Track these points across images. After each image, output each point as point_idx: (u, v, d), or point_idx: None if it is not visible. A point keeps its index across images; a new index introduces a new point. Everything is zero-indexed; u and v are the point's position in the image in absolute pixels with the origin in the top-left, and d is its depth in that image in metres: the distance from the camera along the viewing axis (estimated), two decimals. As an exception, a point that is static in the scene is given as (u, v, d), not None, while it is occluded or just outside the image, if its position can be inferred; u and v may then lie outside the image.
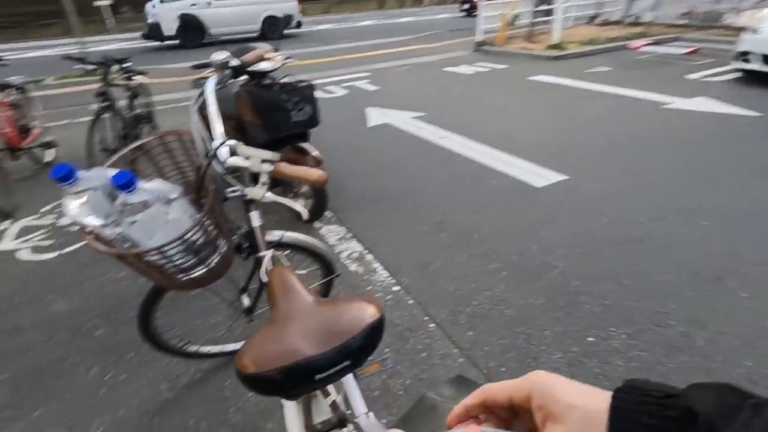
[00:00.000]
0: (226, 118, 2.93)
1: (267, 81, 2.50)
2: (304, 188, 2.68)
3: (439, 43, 10.16)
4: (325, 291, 1.79)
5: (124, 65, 3.35)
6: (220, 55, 1.22)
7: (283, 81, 2.56)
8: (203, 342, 1.77)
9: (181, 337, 1.70)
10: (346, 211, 2.94)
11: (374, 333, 0.69)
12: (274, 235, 1.38)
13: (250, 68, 2.36)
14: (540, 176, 3.27)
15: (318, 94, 2.69)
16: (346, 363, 0.66)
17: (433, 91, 6.14)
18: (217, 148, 1.05)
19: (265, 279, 1.18)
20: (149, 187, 0.92)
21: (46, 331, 1.99)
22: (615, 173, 3.24)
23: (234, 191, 1.23)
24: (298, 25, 12.95)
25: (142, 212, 0.93)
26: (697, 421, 0.28)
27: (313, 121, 2.57)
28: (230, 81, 1.31)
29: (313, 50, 10.21)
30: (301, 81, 2.59)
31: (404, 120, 4.80)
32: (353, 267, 2.35)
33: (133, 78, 3.48)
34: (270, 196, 1.00)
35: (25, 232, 2.85)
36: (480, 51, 9.39)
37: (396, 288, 2.17)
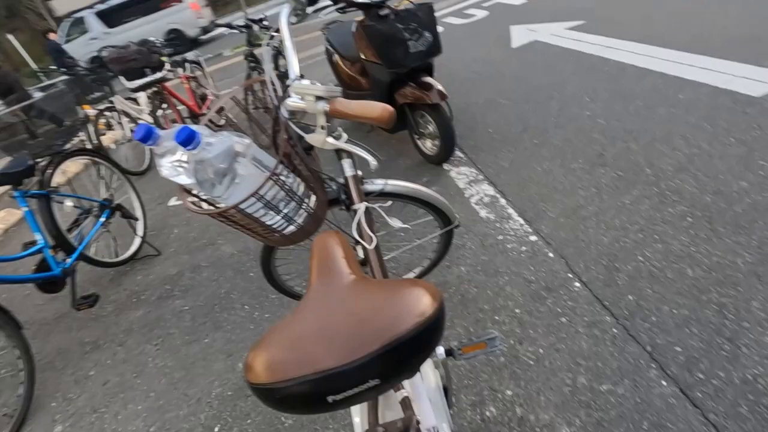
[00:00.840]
0: (351, 61, 2.87)
1: (383, 11, 2.26)
2: (431, 128, 2.45)
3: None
4: (444, 244, 1.61)
5: (263, 24, 3.52)
6: (287, -20, 1.06)
7: (400, 8, 2.29)
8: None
9: (304, 283, 1.76)
10: (480, 150, 2.62)
11: (424, 336, 0.48)
12: (376, 184, 1.24)
13: (361, 0, 2.18)
14: (760, 81, 2.31)
15: (454, 20, 2.35)
16: (374, 382, 0.47)
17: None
18: (287, 89, 0.92)
19: (356, 234, 1.06)
20: (213, 141, 0.85)
21: (217, 269, 2.34)
22: None
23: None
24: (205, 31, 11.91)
25: (213, 169, 0.87)
26: None
27: (434, 49, 2.26)
28: (312, 9, 1.15)
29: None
30: (420, 4, 2.28)
31: (557, 33, 3.98)
32: (484, 213, 2.08)
33: (273, 37, 3.66)
34: (332, 141, 0.83)
35: (206, 186, 3.40)
36: None
37: (533, 238, 1.84)
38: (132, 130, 4.06)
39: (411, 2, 2.33)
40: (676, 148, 2.06)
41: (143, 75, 3.32)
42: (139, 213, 2.73)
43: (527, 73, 3.41)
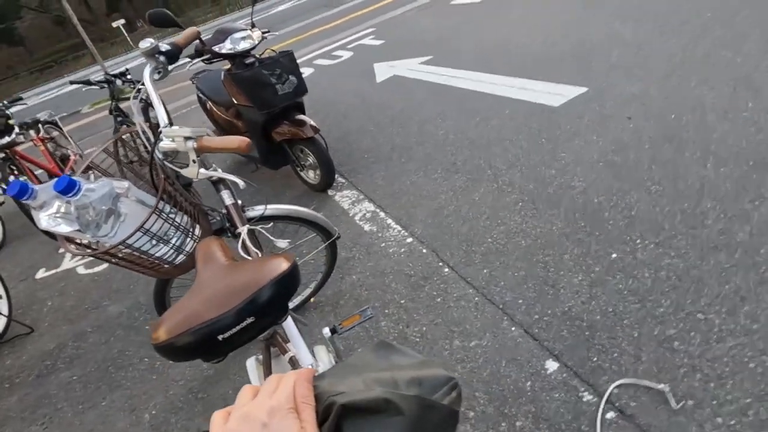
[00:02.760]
0: (225, 107, 2.99)
1: (248, 60, 2.47)
2: (310, 160, 2.68)
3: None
4: (331, 257, 1.82)
5: (126, 78, 3.46)
6: (144, 44, 1.21)
7: (263, 57, 2.52)
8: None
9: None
10: (358, 173, 2.92)
11: (281, 284, 0.68)
12: (256, 210, 1.40)
13: (227, 51, 2.36)
14: (557, 95, 3.01)
15: (324, 61, 2.63)
16: (250, 320, 0.66)
17: (441, 30, 5.77)
18: (158, 135, 1.06)
19: (242, 252, 1.21)
20: (93, 186, 0.95)
21: (105, 332, 2.22)
22: (645, 68, 2.89)
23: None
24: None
25: (95, 211, 0.97)
26: None
27: (299, 90, 2.52)
28: (172, 67, 1.30)
29: (316, 19, 9.95)
30: (282, 52, 2.53)
31: (411, 68, 4.59)
32: (367, 227, 2.35)
33: (139, 88, 3.60)
34: (204, 172, 1.00)
35: (81, 250, 3.14)
36: (489, -27, 8.60)
37: (409, 240, 2.15)
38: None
39: (273, 51, 2.57)
40: (506, 149, 2.58)
41: (-13, 141, 3.01)
42: (1, 290, 2.45)
43: (391, 103, 3.88)
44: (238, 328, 0.64)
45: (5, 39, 25.66)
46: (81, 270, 2.87)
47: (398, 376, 0.43)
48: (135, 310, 2.30)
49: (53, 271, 2.96)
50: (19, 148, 3.33)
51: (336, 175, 2.81)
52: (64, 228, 1.03)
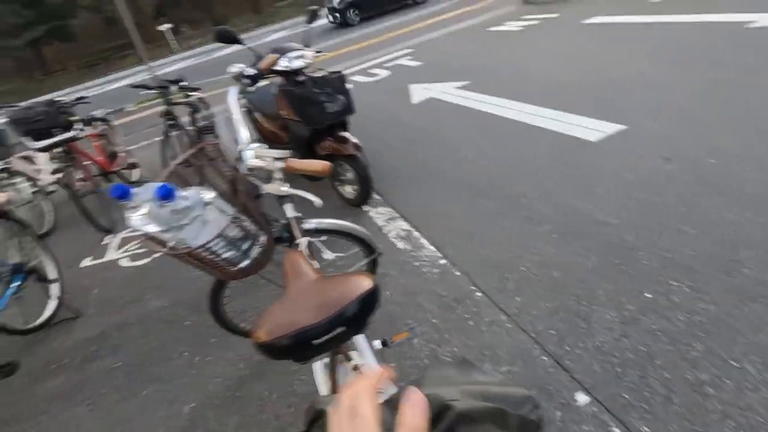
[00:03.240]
0: (272, 118, 3.16)
1: (301, 78, 2.62)
2: (349, 176, 2.79)
3: (483, 3, 9.64)
4: (370, 269, 1.90)
5: (181, 84, 3.68)
6: (234, 68, 1.34)
7: (315, 75, 2.66)
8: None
9: (251, 320, 1.91)
10: (393, 192, 3.02)
11: (366, 301, 0.76)
12: (311, 223, 1.50)
13: (282, 68, 2.52)
14: (595, 129, 3.06)
15: (361, 78, 2.76)
16: (341, 330, 0.74)
17: (477, 55, 5.91)
18: (242, 152, 1.18)
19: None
20: (186, 194, 1.06)
21: (147, 325, 2.34)
22: (683, 112, 2.93)
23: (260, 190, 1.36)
24: None
25: (186, 216, 1.08)
26: None
27: (347, 109, 2.65)
28: (256, 87, 1.43)
29: (353, 36, 10.26)
30: (332, 72, 2.68)
31: (447, 91, 4.71)
32: (401, 245, 2.43)
33: (189, 95, 3.82)
34: (286, 189, 1.10)
35: (124, 243, 3.32)
36: (529, 2, 8.78)
37: (442, 261, 2.22)
38: (32, 191, 3.82)
39: (322, 69, 2.72)
40: (540, 180, 2.64)
41: (50, 135, 3.24)
42: (54, 274, 2.62)
43: (425, 125, 3.99)
44: (329, 335, 0.73)
45: (59, 35, 27.18)
46: (124, 263, 3.03)
47: (486, 390, 0.51)
48: (176, 307, 2.42)
49: (98, 261, 3.13)
50: (77, 143, 3.56)
51: (372, 193, 2.91)
52: (151, 228, 1.15)
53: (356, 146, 2.65)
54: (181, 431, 1.68)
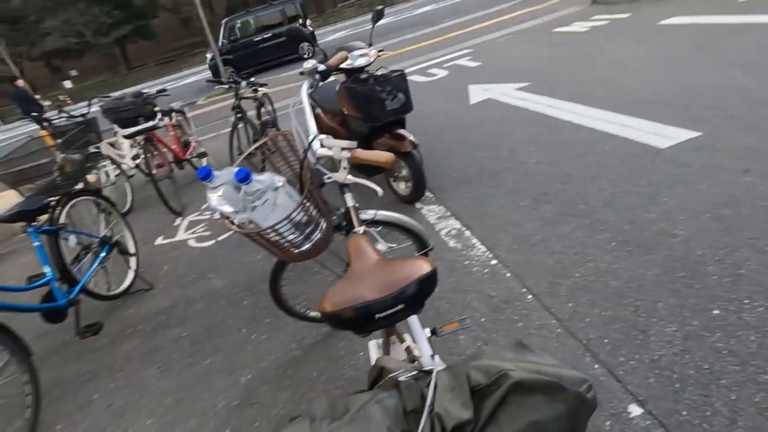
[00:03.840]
0: (332, 114, 3.28)
1: (363, 75, 2.71)
2: (404, 172, 2.85)
3: (549, 3, 9.32)
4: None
5: (250, 80, 3.92)
6: (308, 64, 1.44)
7: (377, 73, 2.74)
8: (321, 309, 2.09)
9: (304, 304, 2.02)
10: (446, 190, 3.03)
11: (426, 283, 0.81)
12: (368, 213, 1.57)
13: (346, 66, 2.61)
14: (665, 136, 2.89)
15: (419, 78, 2.81)
16: (401, 306, 0.79)
17: (540, 57, 5.75)
18: (311, 142, 1.26)
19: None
20: (261, 178, 1.16)
21: (210, 301, 2.54)
22: (767, 123, 2.69)
23: (329, 178, 1.44)
24: None
25: (258, 199, 1.18)
26: None
27: (406, 107, 2.70)
28: (321, 83, 1.52)
29: (413, 36, 10.31)
30: (394, 71, 2.74)
31: (507, 93, 4.63)
32: (452, 243, 2.45)
33: (257, 90, 4.06)
34: (351, 178, 1.17)
35: (191, 225, 3.60)
36: (598, 2, 8.38)
37: (493, 262, 2.21)
38: (116, 173, 4.23)
39: (384, 68, 2.79)
40: (602, 187, 2.55)
41: (136, 123, 3.58)
42: (132, 249, 2.90)
43: (483, 126, 3.95)
44: (390, 311, 0.79)
45: (142, 34, 29.70)
46: (192, 243, 3.29)
47: (542, 368, 0.53)
48: (235, 286, 2.60)
49: (169, 240, 3.42)
50: (156, 132, 3.90)
51: (425, 190, 2.95)
52: (227, 208, 1.27)
53: (413, 144, 2.70)
54: (239, 400, 1.82)
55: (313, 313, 2.00)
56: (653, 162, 2.66)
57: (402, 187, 2.97)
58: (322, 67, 1.48)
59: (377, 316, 0.78)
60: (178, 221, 3.74)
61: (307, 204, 1.26)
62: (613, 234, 2.16)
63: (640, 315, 1.69)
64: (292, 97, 1.64)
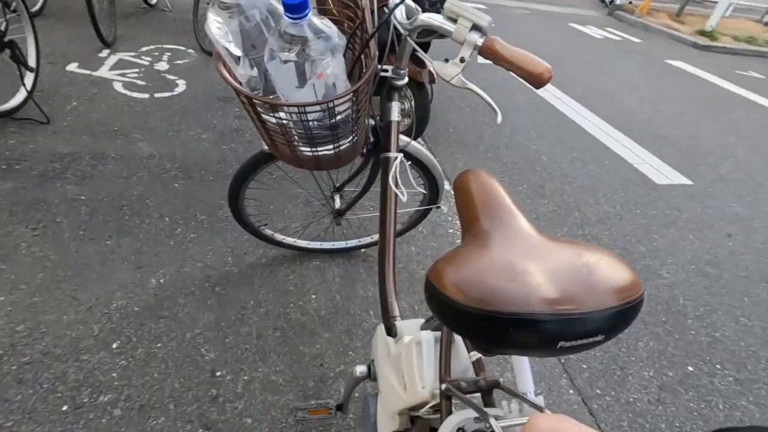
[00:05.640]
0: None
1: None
2: (407, 105, 2.42)
3: (571, -5, 8.95)
4: (416, 220, 1.63)
5: None
6: None
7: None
8: (279, 229, 1.68)
9: (262, 216, 1.60)
10: (439, 143, 2.69)
11: (631, 312, 0.47)
12: (403, 140, 1.17)
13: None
14: (660, 172, 2.84)
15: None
16: (599, 338, 0.45)
17: (554, 44, 5.47)
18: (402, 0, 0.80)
19: (392, 183, 0.99)
20: (320, 23, 0.71)
21: (129, 167, 1.96)
22: (754, 195, 2.75)
23: (385, 71, 1.01)
24: None
25: (297, 54, 0.73)
26: None
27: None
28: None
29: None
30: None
31: (519, 67, 4.30)
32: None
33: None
34: (463, 79, 0.76)
35: (121, 65, 2.80)
36: (614, 16, 8.24)
37: (481, 241, 1.97)
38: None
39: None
40: (599, 203, 2.41)
41: None
42: (33, 62, 2.13)
43: (488, 90, 3.60)
44: (588, 340, 0.45)
45: None
46: (118, 87, 2.55)
47: None
48: (167, 161, 2.04)
49: (87, 72, 2.63)
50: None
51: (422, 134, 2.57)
52: (232, 48, 0.79)
53: (431, 76, 2.27)
54: (142, 306, 1.38)
55: (269, 232, 1.58)
56: (649, 194, 2.58)
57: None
58: None
59: (562, 344, 0.44)
60: (104, 53, 2.90)
61: (360, 95, 0.83)
62: (603, 254, 2.03)
63: (621, 349, 1.58)
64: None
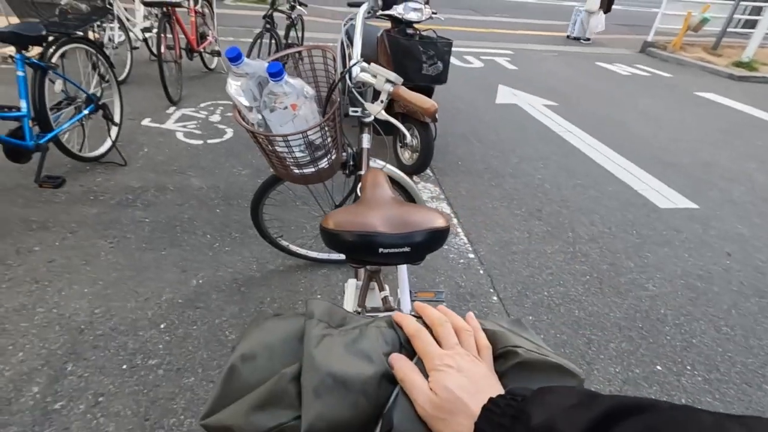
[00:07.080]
0: (364, 59, 3.14)
1: (410, 30, 2.59)
2: (414, 142, 2.78)
3: (599, 36, 9.19)
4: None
5: (291, -5, 3.69)
6: (375, -14, 1.34)
7: (424, 33, 2.63)
8: (293, 240, 2.04)
9: (279, 230, 1.97)
10: (446, 174, 3.00)
11: (436, 236, 0.77)
12: (378, 163, 1.51)
13: (396, 14, 2.49)
14: (666, 197, 2.95)
15: (453, 60, 2.71)
16: (406, 249, 0.76)
17: (575, 83, 5.70)
18: (353, 65, 1.18)
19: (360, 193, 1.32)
20: (292, 81, 1.08)
21: (183, 196, 2.44)
22: (763, 218, 2.77)
23: (354, 111, 1.37)
24: None
25: (281, 103, 1.10)
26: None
27: (441, 77, 2.61)
28: (378, 13, 1.42)
29: (463, 18, 10.00)
30: (441, 38, 2.63)
31: (533, 104, 4.58)
32: (437, 225, 2.43)
33: (294, 7, 3.84)
34: (384, 114, 1.10)
35: (184, 119, 3.43)
36: (646, 53, 8.35)
37: (471, 255, 2.21)
38: (120, 39, 3.95)
39: (434, 31, 2.68)
40: (593, 224, 2.58)
41: (160, -8, 3.32)
42: (117, 118, 2.74)
43: (500, 126, 3.91)
44: (395, 250, 0.75)
45: None
46: (180, 136, 3.13)
47: (543, 350, 0.51)
48: (212, 191, 2.51)
49: (157, 125, 3.25)
50: (178, 10, 3.64)
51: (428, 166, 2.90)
52: (243, 101, 1.18)
53: (433, 116, 2.63)
54: (185, 299, 1.77)
55: (285, 243, 1.95)
56: (648, 216, 2.71)
57: (406, 156, 2.91)
58: (386, -5, 1.39)
59: (381, 250, 0.74)
60: (171, 110, 3.55)
61: (327, 127, 1.19)
62: (590, 268, 2.20)
63: (591, 348, 1.74)
64: (328, 32, 1.53)
